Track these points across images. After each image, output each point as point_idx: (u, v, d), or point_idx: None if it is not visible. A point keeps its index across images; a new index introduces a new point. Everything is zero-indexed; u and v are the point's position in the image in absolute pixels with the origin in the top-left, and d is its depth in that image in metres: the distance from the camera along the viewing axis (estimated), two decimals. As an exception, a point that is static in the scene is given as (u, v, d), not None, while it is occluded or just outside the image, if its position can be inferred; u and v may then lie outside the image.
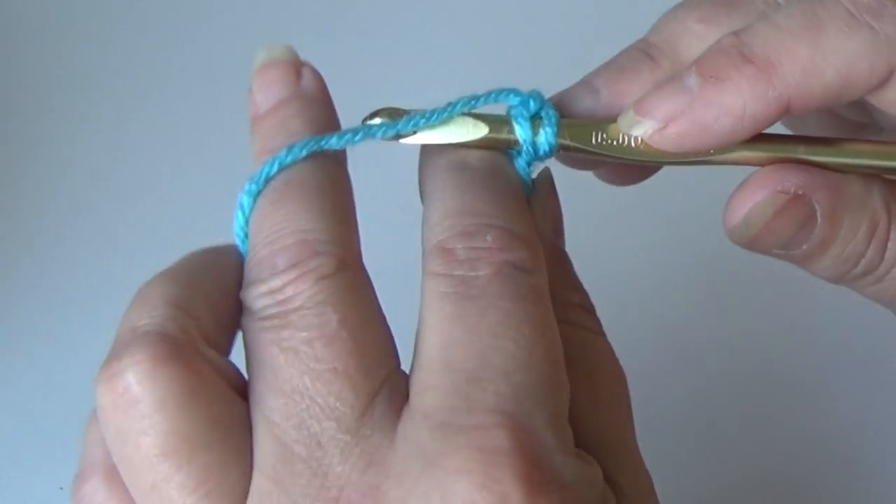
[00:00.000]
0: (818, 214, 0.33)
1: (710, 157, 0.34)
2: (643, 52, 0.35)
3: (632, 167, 0.36)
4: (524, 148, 0.33)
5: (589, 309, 0.33)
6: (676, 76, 0.33)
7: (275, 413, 0.28)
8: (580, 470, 0.28)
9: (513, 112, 0.33)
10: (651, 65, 0.34)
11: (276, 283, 0.29)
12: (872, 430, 0.53)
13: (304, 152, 0.31)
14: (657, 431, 0.52)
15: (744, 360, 0.55)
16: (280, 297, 0.29)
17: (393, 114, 0.33)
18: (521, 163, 0.33)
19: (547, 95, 0.34)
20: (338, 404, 0.28)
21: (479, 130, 0.33)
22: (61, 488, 0.53)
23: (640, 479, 0.31)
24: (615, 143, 0.34)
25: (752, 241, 0.34)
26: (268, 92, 0.33)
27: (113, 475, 0.30)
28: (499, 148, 0.33)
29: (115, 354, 0.28)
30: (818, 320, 0.56)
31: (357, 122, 0.33)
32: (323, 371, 0.28)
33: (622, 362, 0.32)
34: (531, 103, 0.33)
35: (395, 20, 0.69)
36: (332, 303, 0.29)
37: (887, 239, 0.34)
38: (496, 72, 0.65)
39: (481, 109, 0.33)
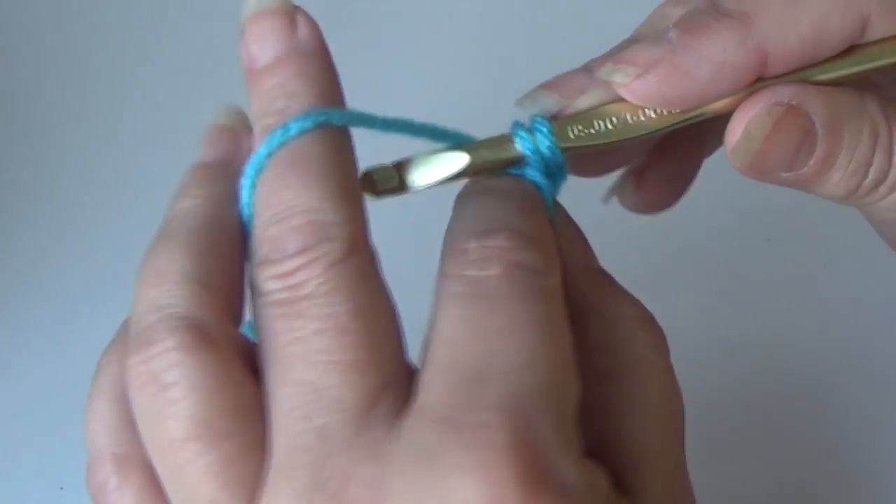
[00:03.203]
0: (817, 125, 0.34)
1: (696, 112, 0.34)
2: (630, 41, 0.36)
3: (603, 156, 0.37)
4: (530, 159, 0.34)
5: (646, 319, 0.33)
6: (655, 33, 0.34)
7: (283, 402, 0.28)
8: (583, 474, 0.28)
9: (512, 128, 0.34)
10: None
11: (285, 266, 0.29)
12: (875, 431, 0.53)
13: (311, 125, 0.30)
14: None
15: (744, 360, 0.55)
16: (290, 281, 0.29)
17: (378, 172, 0.33)
18: (533, 174, 0.34)
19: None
20: (344, 397, 0.28)
21: (474, 156, 0.33)
22: (61, 488, 0.53)
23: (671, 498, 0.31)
24: (611, 126, 0.34)
25: (756, 160, 0.34)
26: (264, 44, 0.31)
27: (122, 461, 0.30)
28: (503, 166, 0.34)
29: (145, 338, 0.29)
30: (819, 320, 0.56)
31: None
32: (331, 363, 0.28)
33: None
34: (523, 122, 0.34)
35: (395, 18, 0.69)
36: (343, 291, 0.28)
37: (891, 144, 0.34)
38: (493, 72, 0.65)
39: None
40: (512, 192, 0.33)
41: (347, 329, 0.28)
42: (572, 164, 0.35)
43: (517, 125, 0.34)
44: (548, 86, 0.35)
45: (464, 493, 0.26)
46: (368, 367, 0.28)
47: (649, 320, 0.33)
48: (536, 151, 0.34)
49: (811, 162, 0.34)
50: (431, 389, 0.28)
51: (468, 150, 0.34)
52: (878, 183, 0.35)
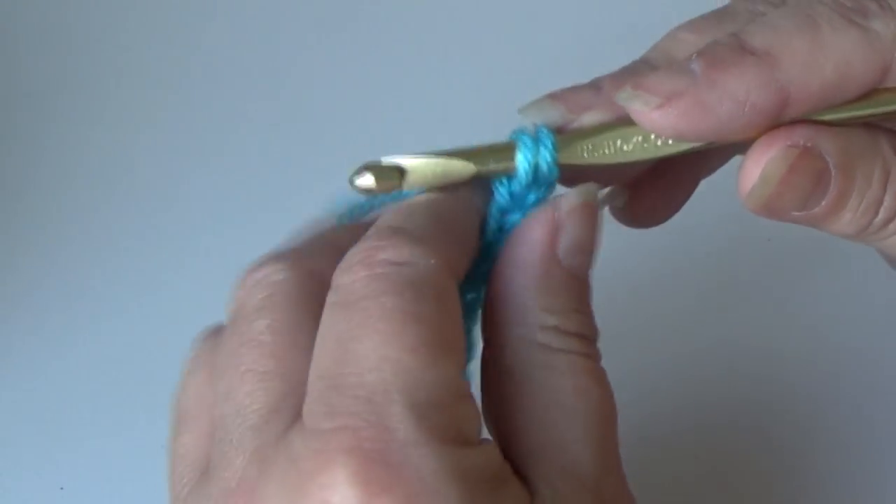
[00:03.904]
0: (831, 166, 0.33)
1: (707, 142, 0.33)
2: (642, 62, 0.36)
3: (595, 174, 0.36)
4: (523, 173, 0.33)
5: (564, 331, 0.32)
6: (678, 62, 0.33)
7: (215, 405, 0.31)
8: (451, 459, 0.28)
9: (516, 136, 0.33)
10: (651, 68, 0.35)
11: (236, 293, 0.31)
12: (873, 431, 0.53)
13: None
14: (655, 432, 0.52)
15: (744, 360, 0.55)
16: (233, 305, 0.31)
17: (378, 170, 0.32)
18: (502, 193, 0.33)
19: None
20: (248, 401, 0.30)
21: (480, 168, 0.33)
22: (61, 488, 0.53)
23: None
24: (613, 149, 0.34)
25: (770, 201, 0.34)
26: None
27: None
28: (491, 176, 0.33)
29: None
30: (819, 320, 0.56)
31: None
32: (242, 371, 0.30)
33: (620, 362, 0.32)
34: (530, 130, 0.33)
35: (399, 22, 0.69)
36: (267, 308, 0.31)
37: None
38: (498, 79, 0.65)
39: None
40: (420, 200, 0.33)
41: (259, 341, 0.30)
42: (563, 179, 0.34)
43: (523, 134, 0.33)
44: (555, 97, 0.35)
45: (314, 498, 0.27)
46: (274, 375, 0.30)
47: (570, 329, 0.32)
48: (534, 166, 0.33)
49: (823, 202, 0.34)
50: (307, 400, 0.29)
51: (476, 161, 0.32)
52: (888, 221, 0.35)
